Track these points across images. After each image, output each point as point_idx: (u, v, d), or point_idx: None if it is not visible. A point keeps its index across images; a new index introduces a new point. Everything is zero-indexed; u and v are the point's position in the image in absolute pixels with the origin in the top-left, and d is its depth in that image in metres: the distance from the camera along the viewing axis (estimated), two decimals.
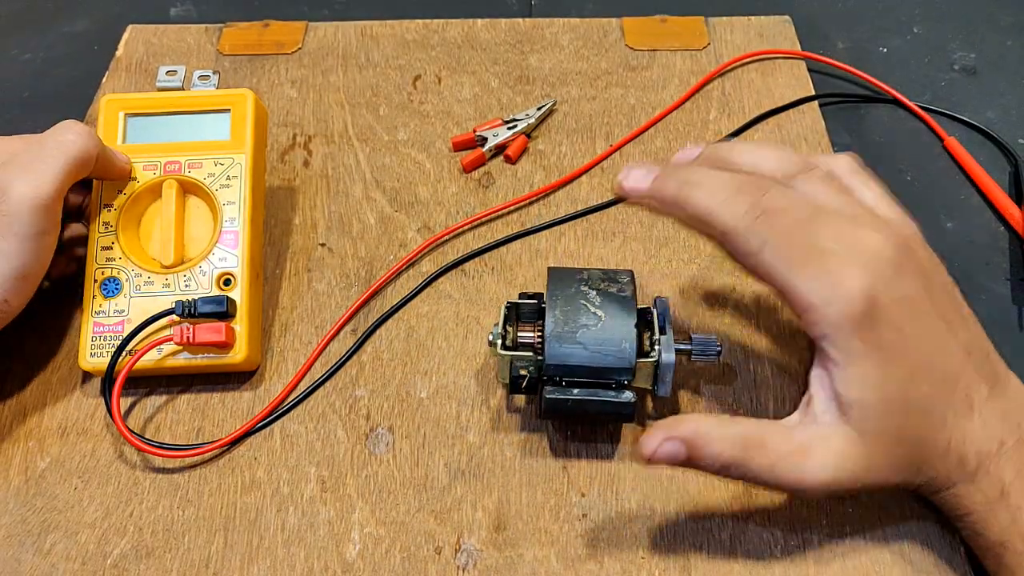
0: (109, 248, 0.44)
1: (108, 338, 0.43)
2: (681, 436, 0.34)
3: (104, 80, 0.59)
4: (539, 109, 0.56)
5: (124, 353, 0.42)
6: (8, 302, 0.40)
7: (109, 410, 0.41)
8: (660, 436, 0.34)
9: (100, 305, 0.43)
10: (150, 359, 0.42)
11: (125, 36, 0.62)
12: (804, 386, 0.37)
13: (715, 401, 0.43)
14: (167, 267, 0.44)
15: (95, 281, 0.44)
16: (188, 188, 0.46)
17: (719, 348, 0.41)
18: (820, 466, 0.34)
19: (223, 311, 0.42)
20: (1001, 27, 0.64)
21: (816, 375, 0.35)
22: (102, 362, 0.42)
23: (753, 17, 0.63)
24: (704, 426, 0.35)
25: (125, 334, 0.42)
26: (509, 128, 0.55)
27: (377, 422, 0.43)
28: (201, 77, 0.48)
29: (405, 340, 0.46)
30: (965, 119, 0.57)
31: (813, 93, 0.58)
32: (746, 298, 0.48)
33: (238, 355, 0.43)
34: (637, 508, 0.40)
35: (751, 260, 0.35)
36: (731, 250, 0.35)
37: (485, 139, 0.55)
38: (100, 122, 0.46)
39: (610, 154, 0.55)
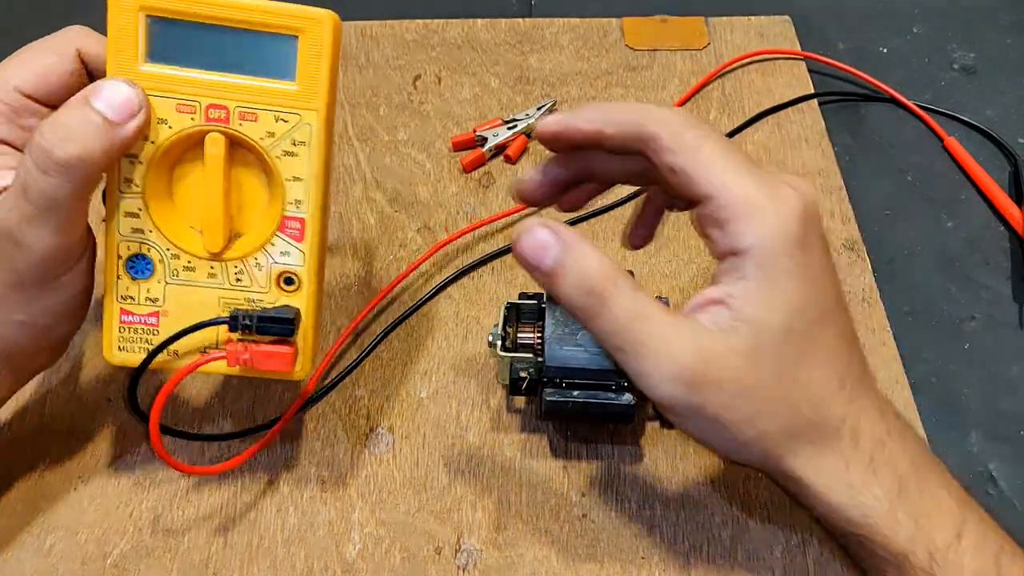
0: (135, 216, 0.35)
1: (139, 331, 0.36)
2: (555, 249, 0.31)
3: None
4: (539, 109, 0.56)
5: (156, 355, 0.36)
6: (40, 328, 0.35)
7: (147, 429, 0.35)
8: (543, 238, 0.31)
9: (127, 288, 0.35)
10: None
11: None
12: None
13: None
14: (215, 254, 0.35)
15: (119, 257, 0.35)
16: (237, 146, 0.35)
17: None
18: (679, 352, 0.31)
19: (289, 330, 0.34)
20: (1001, 27, 0.64)
21: (714, 292, 0.32)
22: (133, 358, 0.36)
23: (753, 17, 0.63)
24: (574, 254, 0.31)
25: (160, 331, 0.36)
26: (509, 128, 0.55)
27: (377, 422, 0.43)
28: None
29: (405, 340, 0.46)
30: (965, 119, 0.57)
31: (813, 92, 0.58)
32: None
33: (296, 374, 0.36)
34: (637, 508, 0.40)
35: (686, 158, 0.31)
36: (659, 150, 0.32)
37: (485, 139, 0.55)
38: (108, 26, 0.33)
39: None
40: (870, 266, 0.49)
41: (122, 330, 0.36)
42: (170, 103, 0.33)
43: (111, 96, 0.32)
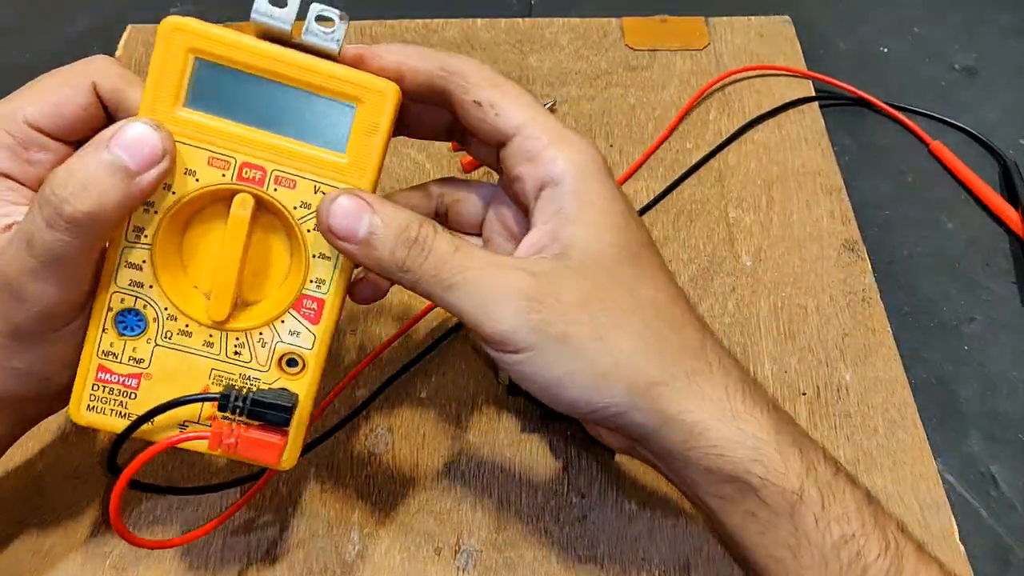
0: (138, 267, 0.31)
1: (115, 392, 0.32)
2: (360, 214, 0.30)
3: None
4: None
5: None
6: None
7: (105, 508, 0.33)
8: (349, 204, 0.30)
9: (111, 343, 0.32)
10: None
11: (124, 36, 0.62)
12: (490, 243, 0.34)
13: None
14: (217, 322, 0.32)
15: (109, 308, 0.31)
16: (264, 209, 0.32)
17: None
18: (514, 277, 0.30)
19: (285, 420, 0.31)
20: (1001, 27, 0.64)
21: (531, 236, 0.31)
22: (102, 420, 0.32)
23: (753, 17, 0.63)
24: (386, 212, 0.30)
25: (139, 395, 0.32)
26: None
27: (377, 422, 0.43)
28: (321, 19, 0.30)
29: (404, 340, 0.46)
30: (950, 121, 0.57)
31: (813, 94, 0.58)
32: (745, 298, 0.48)
33: (281, 466, 0.32)
34: (637, 509, 0.40)
35: (494, 93, 0.31)
36: (467, 85, 0.31)
37: None
38: (152, 64, 0.30)
39: (634, 171, 0.54)
40: (870, 266, 0.49)
41: (96, 388, 0.32)
42: (202, 155, 0.30)
43: (133, 140, 0.29)
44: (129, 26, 0.62)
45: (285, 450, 0.32)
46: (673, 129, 0.55)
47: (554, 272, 0.30)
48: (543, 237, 0.31)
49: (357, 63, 0.31)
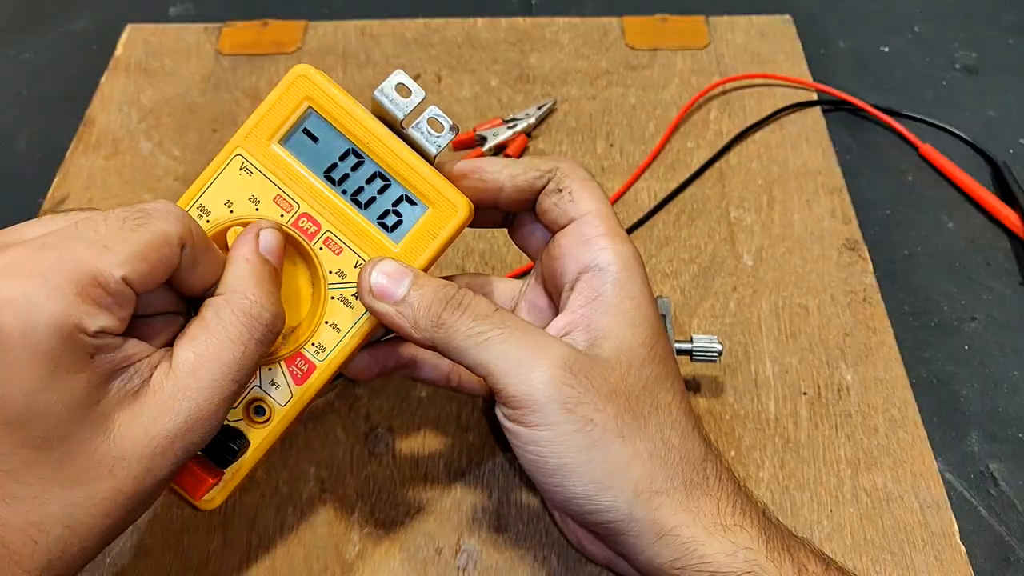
0: None
1: None
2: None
3: (103, 80, 0.59)
4: (539, 108, 0.56)
5: None
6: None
7: None
8: (391, 267, 0.31)
9: None
10: None
11: (124, 36, 0.62)
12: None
13: (715, 401, 0.43)
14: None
15: None
16: (306, 260, 0.33)
17: (719, 348, 0.41)
18: (552, 343, 0.30)
19: (226, 461, 0.31)
20: (1002, 26, 0.64)
21: (565, 317, 0.32)
22: None
23: (754, 16, 0.63)
24: (422, 276, 0.31)
25: None
26: (509, 127, 0.55)
27: (377, 422, 0.43)
28: (433, 121, 0.32)
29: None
30: (940, 124, 0.57)
31: (815, 98, 0.58)
32: (746, 298, 0.47)
33: (200, 504, 0.32)
34: None
35: (563, 200, 0.33)
36: (560, 178, 0.33)
37: (485, 139, 0.54)
38: (269, 97, 0.32)
39: (640, 173, 0.54)
40: (871, 266, 0.49)
41: None
42: (272, 190, 0.32)
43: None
44: (129, 26, 0.62)
45: (212, 490, 0.31)
46: (673, 130, 0.55)
47: (589, 355, 0.30)
48: (577, 320, 0.32)
49: (456, 178, 0.33)
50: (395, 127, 0.32)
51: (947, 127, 0.57)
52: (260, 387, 0.32)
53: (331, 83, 0.32)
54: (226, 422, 0.31)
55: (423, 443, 0.42)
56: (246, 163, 0.32)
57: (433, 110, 0.32)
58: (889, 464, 0.41)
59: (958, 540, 0.39)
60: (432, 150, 0.32)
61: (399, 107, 0.31)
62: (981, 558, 0.39)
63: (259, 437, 0.32)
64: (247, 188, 0.32)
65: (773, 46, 0.61)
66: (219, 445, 0.31)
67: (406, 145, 0.32)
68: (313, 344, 0.32)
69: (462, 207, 0.32)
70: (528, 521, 0.40)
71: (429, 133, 0.31)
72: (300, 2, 0.67)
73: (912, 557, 0.38)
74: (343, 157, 0.32)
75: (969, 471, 0.42)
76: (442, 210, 0.32)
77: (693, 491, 0.30)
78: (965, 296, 0.49)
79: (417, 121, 0.32)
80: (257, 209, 0.32)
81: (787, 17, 0.63)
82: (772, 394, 0.44)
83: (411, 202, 0.32)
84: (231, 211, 0.32)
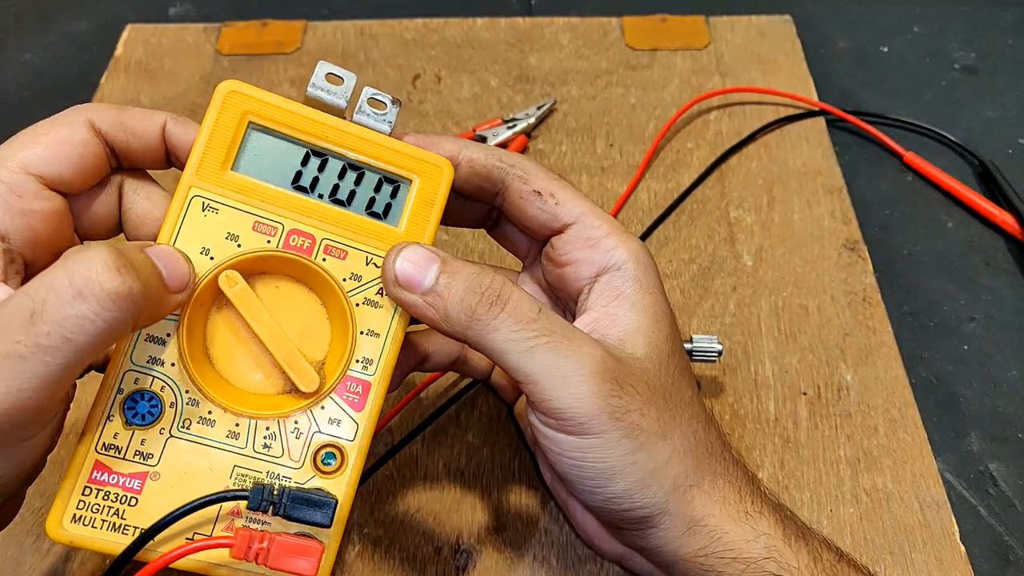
0: (161, 342, 0.28)
1: (111, 497, 0.27)
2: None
3: (103, 80, 0.59)
4: (539, 108, 0.56)
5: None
6: None
7: None
8: (418, 254, 0.29)
9: (115, 434, 0.27)
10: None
11: (124, 36, 0.62)
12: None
13: (715, 401, 0.43)
14: (313, 391, 0.28)
15: (119, 391, 0.27)
16: (310, 280, 0.30)
17: (719, 348, 0.41)
18: (592, 346, 0.29)
19: (328, 520, 0.27)
20: (1002, 26, 0.64)
21: (588, 317, 0.32)
22: (90, 536, 0.26)
23: (754, 16, 0.63)
24: (453, 264, 0.29)
25: (142, 502, 0.27)
26: (509, 128, 0.55)
27: None
28: (373, 101, 0.30)
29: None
30: (928, 129, 0.57)
31: (815, 96, 0.58)
32: (746, 298, 0.47)
33: None
34: None
35: (552, 184, 0.32)
36: (526, 176, 0.32)
37: (485, 139, 0.55)
38: (206, 125, 0.29)
39: (642, 174, 0.54)
40: (871, 266, 0.49)
41: (87, 492, 0.27)
42: (247, 219, 0.29)
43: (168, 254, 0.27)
44: (129, 26, 0.62)
45: (323, 560, 0.27)
46: (667, 132, 0.55)
47: (626, 357, 0.30)
48: (603, 318, 0.31)
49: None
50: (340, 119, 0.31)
51: (938, 131, 0.56)
52: (321, 432, 0.28)
53: (264, 91, 0.30)
54: (298, 485, 0.28)
55: (423, 443, 0.42)
56: (207, 202, 0.29)
57: (368, 91, 0.30)
58: (889, 464, 0.41)
59: (958, 540, 0.39)
60: (385, 128, 0.30)
61: (337, 96, 0.30)
62: (981, 558, 0.39)
63: (340, 488, 0.28)
64: (219, 227, 0.29)
65: (773, 46, 0.61)
66: (315, 506, 0.27)
67: (361, 127, 0.30)
68: (358, 360, 0.29)
69: (444, 164, 0.31)
70: (527, 521, 0.40)
71: (374, 114, 0.30)
72: (300, 2, 0.67)
73: (912, 557, 0.38)
74: (304, 162, 0.30)
75: (969, 471, 0.42)
76: (428, 176, 0.30)
77: (718, 480, 0.30)
78: (964, 296, 0.49)
79: (357, 106, 0.30)
80: (239, 245, 0.28)
81: (787, 17, 0.63)
82: (772, 394, 0.44)
83: (392, 181, 0.30)
84: (211, 257, 0.28)
